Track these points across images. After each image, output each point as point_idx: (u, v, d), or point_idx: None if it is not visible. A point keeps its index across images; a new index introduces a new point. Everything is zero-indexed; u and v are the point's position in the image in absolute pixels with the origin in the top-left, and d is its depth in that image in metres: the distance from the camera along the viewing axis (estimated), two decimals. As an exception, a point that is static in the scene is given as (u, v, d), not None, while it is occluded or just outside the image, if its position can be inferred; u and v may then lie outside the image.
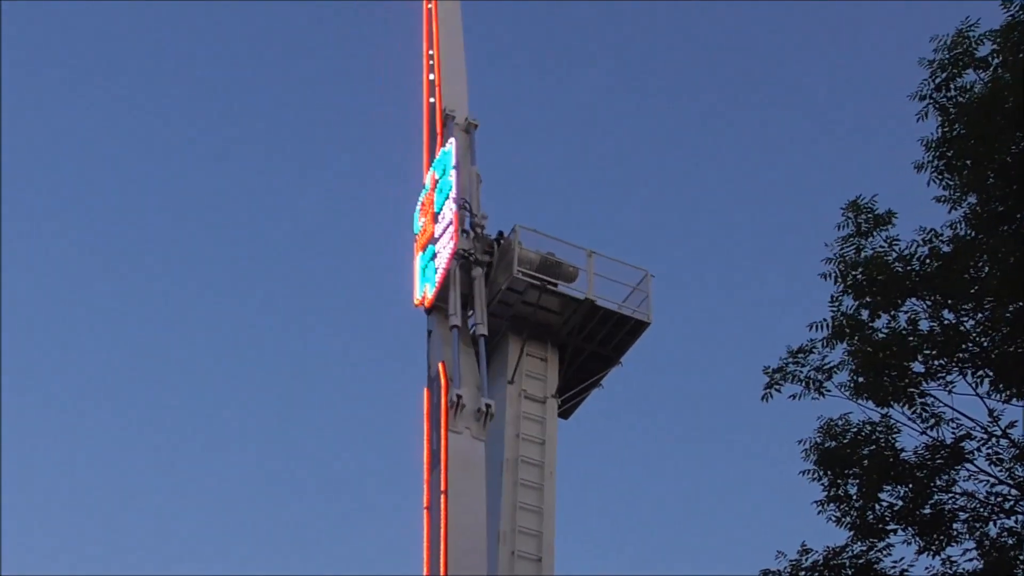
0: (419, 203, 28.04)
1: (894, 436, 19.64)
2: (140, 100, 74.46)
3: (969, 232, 19.15)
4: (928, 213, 20.01)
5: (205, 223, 74.43)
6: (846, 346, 19.89)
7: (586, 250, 26.25)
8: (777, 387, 20.24)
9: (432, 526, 22.87)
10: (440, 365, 24.42)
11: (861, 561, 19.56)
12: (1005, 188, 18.74)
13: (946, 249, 19.23)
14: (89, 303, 71.88)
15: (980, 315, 19.01)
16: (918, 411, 19.43)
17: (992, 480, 19.16)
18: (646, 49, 79.83)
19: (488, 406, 23.65)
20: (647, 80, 79.73)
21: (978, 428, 19.17)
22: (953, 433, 19.32)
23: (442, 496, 22.76)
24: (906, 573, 19.41)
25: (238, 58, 78.12)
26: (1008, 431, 19.03)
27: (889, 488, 19.51)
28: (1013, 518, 19.03)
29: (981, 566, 18.86)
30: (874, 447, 19.59)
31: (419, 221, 27.79)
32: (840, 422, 19.94)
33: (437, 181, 27.52)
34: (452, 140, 27.63)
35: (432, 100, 29.20)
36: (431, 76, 29.58)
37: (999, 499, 19.12)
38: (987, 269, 18.74)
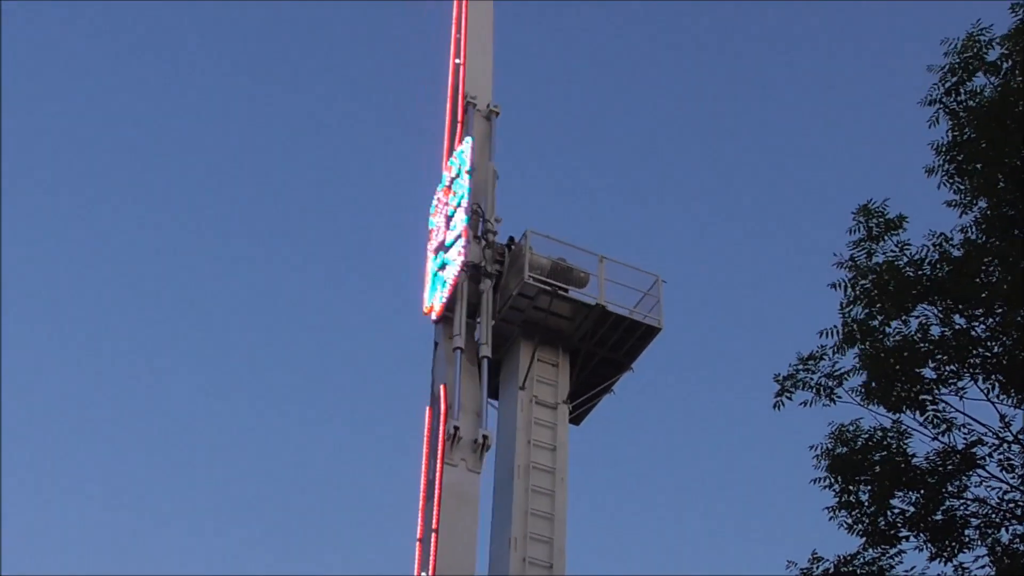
0: (435, 198, 28.02)
1: (905, 442, 19.52)
2: (143, 100, 74.32)
3: (980, 236, 19.08)
4: (939, 217, 19.98)
5: (207, 224, 74.51)
6: (857, 351, 19.82)
7: (597, 255, 26.26)
8: (788, 394, 20.18)
9: (423, 561, 22.98)
10: (442, 388, 24.46)
11: (873, 568, 19.46)
12: (1016, 192, 18.66)
13: (957, 254, 19.16)
14: (90, 304, 71.99)
15: (991, 320, 18.92)
16: (929, 417, 19.33)
17: (1004, 486, 19.04)
18: (657, 54, 79.80)
19: (485, 437, 23.77)
20: (658, 85, 79.71)
21: (990, 434, 19.06)
22: (964, 439, 19.21)
23: (433, 535, 22.87)
24: (918, 580, 19.32)
25: (246, 58, 78.08)
26: (1020, 436, 18.92)
27: (900, 494, 19.39)
28: (1025, 524, 18.94)
29: (993, 572, 18.77)
30: (885, 453, 19.48)
31: (433, 217, 27.80)
32: (851, 428, 19.87)
33: (453, 180, 27.51)
34: (468, 140, 27.63)
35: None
36: (457, 60, 29.60)
37: (1011, 505, 18.99)
38: (998, 274, 18.66)
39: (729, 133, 77.43)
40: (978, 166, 19.20)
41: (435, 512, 23.06)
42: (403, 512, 24.70)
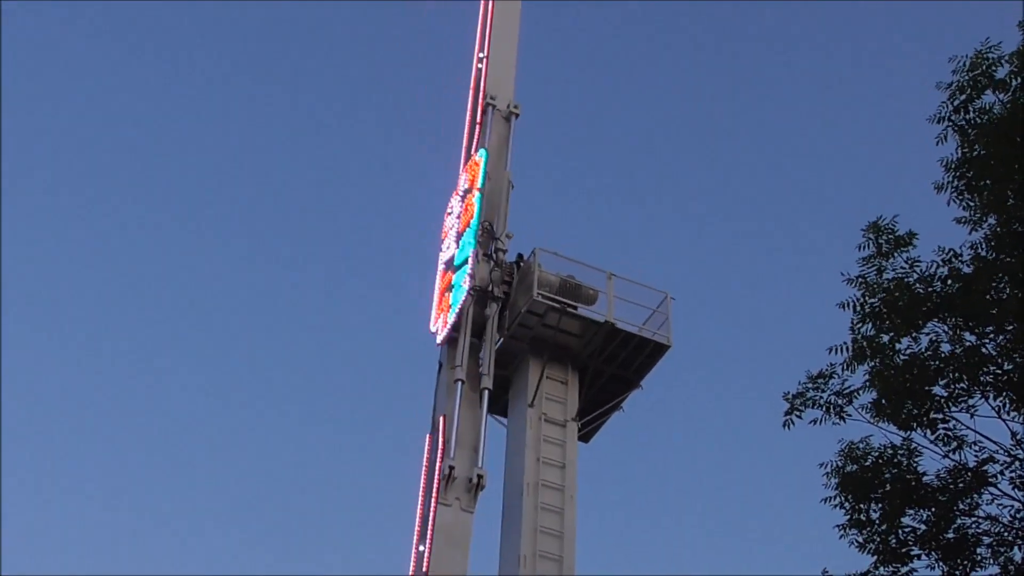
0: (450, 205, 27.95)
1: (916, 460, 19.49)
2: (143, 100, 74.70)
3: (990, 253, 19.05)
4: (948, 234, 19.94)
5: (209, 227, 74.58)
6: (867, 368, 19.78)
7: (606, 272, 26.19)
8: (798, 412, 20.13)
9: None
10: (441, 420, 24.43)
11: (884, 586, 19.40)
12: (1026, 209, 18.64)
13: (967, 270, 19.13)
14: (89, 304, 72.04)
15: (1002, 337, 18.87)
16: (940, 434, 19.28)
17: (1016, 504, 18.99)
18: (668, 72, 79.94)
19: (480, 476, 23.68)
20: (669, 104, 79.91)
21: (1001, 451, 19.03)
22: (976, 456, 19.18)
23: None
24: (930, 599, 19.26)
25: (247, 58, 78.30)
26: (1031, 454, 18.87)
27: (912, 512, 19.36)
28: (1037, 542, 18.86)
29: (1005, 591, 18.69)
30: (896, 471, 19.44)
31: (447, 220, 27.75)
32: (861, 446, 19.81)
33: (466, 192, 27.39)
34: (482, 154, 27.54)
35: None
36: (481, 53, 29.55)
37: (1023, 523, 18.93)
38: (1008, 291, 18.62)
39: (739, 151, 77.58)
40: (987, 183, 19.18)
41: (427, 552, 23.10)
42: (403, 512, 24.75)
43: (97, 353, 70.18)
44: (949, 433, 19.24)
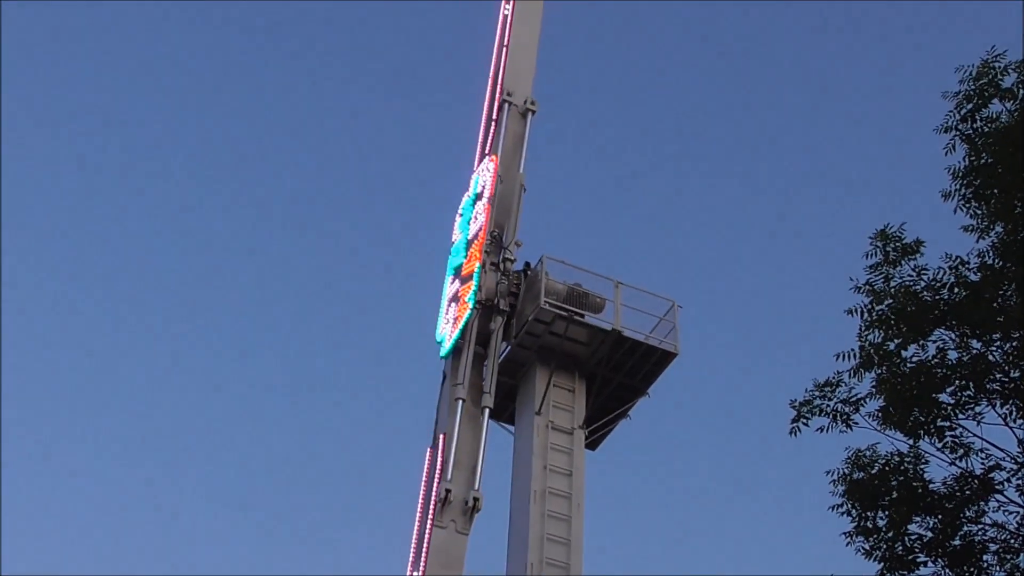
0: (460, 207, 27.97)
1: (923, 467, 19.51)
2: (147, 102, 74.76)
3: (997, 261, 19.09)
4: (956, 242, 19.99)
5: (213, 224, 74.62)
6: (874, 376, 19.82)
7: (613, 280, 26.29)
8: (805, 420, 20.16)
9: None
10: (441, 438, 24.44)
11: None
12: (1033, 217, 18.69)
13: (974, 278, 19.17)
14: (91, 306, 72.08)
15: (1008, 345, 18.91)
16: (947, 442, 19.30)
17: (1022, 511, 19.00)
18: (673, 81, 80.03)
19: (476, 499, 23.73)
20: (675, 111, 79.95)
21: (1008, 458, 19.03)
22: (982, 464, 19.21)
23: None
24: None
25: (247, 58, 78.30)
26: (1038, 461, 18.89)
27: (918, 520, 19.36)
28: (1044, 549, 18.87)
29: (1013, 598, 18.70)
30: (903, 478, 19.46)
31: (456, 230, 27.74)
32: (868, 453, 19.84)
33: (479, 195, 27.36)
34: (491, 160, 27.47)
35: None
36: (504, 44, 29.41)
37: (1030, 530, 18.96)
38: (1015, 299, 18.65)
39: (746, 158, 77.67)
40: (995, 191, 19.23)
41: (420, 573, 23.21)
42: (403, 512, 24.88)
43: (97, 354, 70.22)
44: (956, 440, 19.26)
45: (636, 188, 76.04)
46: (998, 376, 18.99)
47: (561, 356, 25.74)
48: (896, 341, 19.57)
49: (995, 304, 18.79)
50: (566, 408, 25.50)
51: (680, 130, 79.70)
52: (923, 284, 19.57)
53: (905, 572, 19.43)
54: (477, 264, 26.08)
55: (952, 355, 19.32)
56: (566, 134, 68.12)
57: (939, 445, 19.35)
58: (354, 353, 73.55)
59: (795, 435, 20.28)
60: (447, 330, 26.19)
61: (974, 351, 19.16)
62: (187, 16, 75.22)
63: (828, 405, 20.20)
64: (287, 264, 74.03)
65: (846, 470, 19.92)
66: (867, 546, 19.71)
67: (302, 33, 78.51)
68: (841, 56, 79.50)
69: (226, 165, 75.77)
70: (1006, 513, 19.07)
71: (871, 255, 20.14)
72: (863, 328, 19.83)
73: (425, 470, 24.59)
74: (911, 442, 19.56)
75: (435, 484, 23.89)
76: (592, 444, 26.11)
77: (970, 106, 19.60)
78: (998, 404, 19.03)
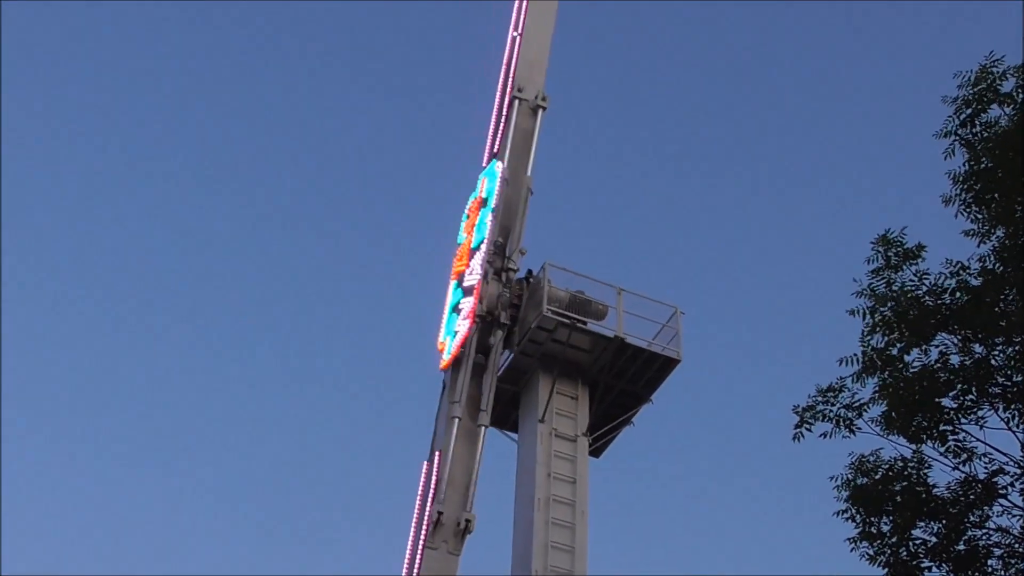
0: (467, 209, 27.83)
1: (926, 472, 19.51)
2: (147, 102, 74.79)
3: (998, 265, 19.09)
4: (957, 246, 20.00)
5: (215, 222, 74.64)
6: (877, 381, 19.82)
7: (616, 287, 26.28)
8: (808, 426, 20.17)
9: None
10: (437, 455, 24.45)
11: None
12: (1034, 221, 18.69)
13: (975, 283, 19.17)
14: (94, 307, 72.09)
15: (1011, 349, 18.90)
16: (950, 446, 19.30)
17: (1026, 515, 18.98)
18: (674, 86, 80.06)
19: (468, 521, 23.73)
20: (677, 117, 79.99)
21: (1011, 463, 19.02)
22: (986, 468, 19.18)
23: None
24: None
25: (247, 58, 78.37)
26: (1042, 465, 18.88)
27: (922, 525, 19.36)
28: (1049, 554, 18.85)
29: (1018, 603, 18.67)
30: (906, 483, 19.46)
31: (462, 232, 27.64)
32: (871, 458, 19.84)
33: (483, 202, 27.24)
34: (497, 164, 27.42)
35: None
36: (515, 32, 29.13)
37: (1034, 535, 18.94)
38: (1017, 303, 18.65)
39: (747, 164, 77.69)
40: (995, 195, 19.24)
41: None
42: (403, 512, 24.92)
43: (97, 354, 70.27)
44: (959, 445, 19.26)
45: (637, 193, 76.20)
46: (1000, 380, 19.00)
47: (564, 363, 25.74)
48: (899, 345, 19.57)
49: (997, 308, 18.79)
50: (569, 415, 25.49)
51: (680, 135, 79.83)
52: (925, 289, 19.58)
53: (909, 577, 19.45)
54: (477, 274, 26.00)
55: (954, 359, 19.33)
56: (566, 139, 68.16)
57: (942, 450, 19.35)
58: (355, 352, 73.69)
59: (798, 441, 20.33)
60: (448, 344, 26.15)
61: (976, 355, 19.16)
62: (187, 16, 75.35)
63: (831, 411, 20.22)
64: (287, 264, 74.13)
65: (850, 475, 19.92)
66: (871, 551, 19.71)
67: (302, 33, 78.61)
68: (843, 60, 79.62)
69: (226, 165, 75.87)
70: (1010, 517, 19.08)
71: (873, 260, 20.17)
72: (865, 332, 19.84)
73: (421, 484, 24.62)
74: (914, 447, 19.55)
75: (429, 503, 23.91)
76: (596, 451, 26.11)
77: (969, 111, 19.61)
78: (1001, 408, 19.03)
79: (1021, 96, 19.03)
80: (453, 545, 23.62)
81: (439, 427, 25.47)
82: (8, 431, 65.28)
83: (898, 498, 19.43)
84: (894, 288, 19.91)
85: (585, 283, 26.28)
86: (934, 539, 19.29)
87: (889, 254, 20.12)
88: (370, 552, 60.28)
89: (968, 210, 19.77)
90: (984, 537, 19.14)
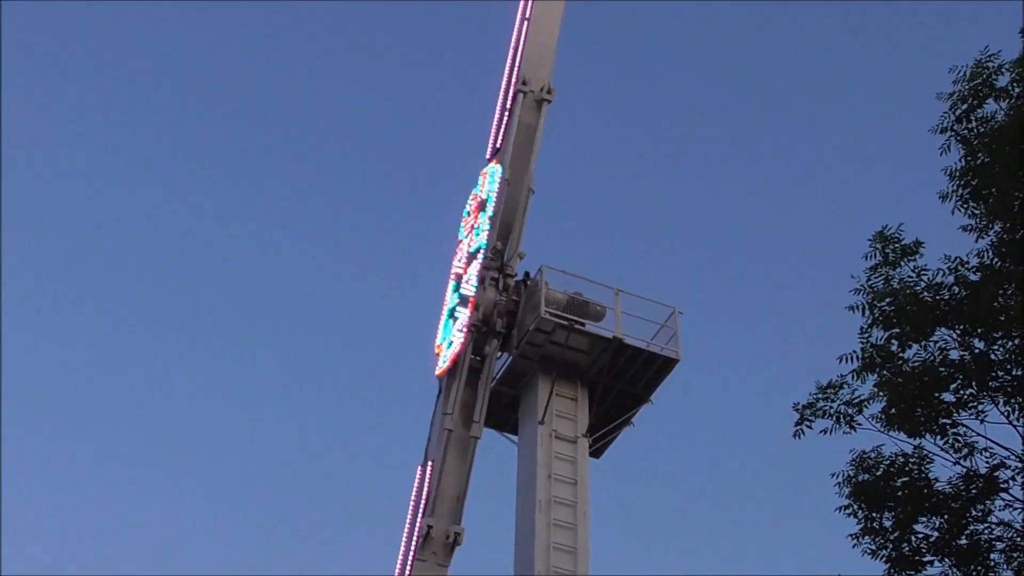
0: (468, 205, 27.78)
1: (927, 467, 19.53)
2: (147, 102, 74.78)
3: (995, 261, 19.14)
4: (954, 242, 20.06)
5: (216, 222, 74.61)
6: (876, 378, 19.86)
7: (613, 289, 26.34)
8: (808, 423, 20.20)
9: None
10: (428, 466, 24.45)
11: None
12: (1030, 216, 18.74)
13: (973, 278, 19.22)
14: (93, 308, 72.02)
15: (1010, 343, 18.95)
16: (951, 441, 19.34)
17: (1028, 509, 19.02)
18: (670, 86, 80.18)
19: (457, 534, 23.84)
20: (673, 117, 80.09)
21: (1012, 457, 19.05)
22: (987, 463, 19.22)
23: None
24: (945, 605, 19.27)
25: (246, 58, 78.35)
26: (1042, 459, 18.92)
27: (924, 519, 19.39)
28: (1051, 547, 18.89)
29: (1020, 596, 18.71)
30: (907, 479, 19.49)
31: (463, 230, 27.58)
32: (872, 454, 19.87)
33: (483, 204, 27.21)
34: (497, 168, 27.30)
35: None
36: (522, 20, 28.83)
37: (1036, 528, 18.98)
38: (1015, 297, 18.70)
39: (743, 163, 77.80)
40: (992, 190, 19.29)
41: None
42: (402, 512, 24.97)
43: (97, 354, 70.23)
44: (960, 439, 19.30)
45: (633, 193, 76.28)
46: (1000, 374, 19.04)
47: (563, 365, 25.77)
48: (898, 341, 19.61)
49: (996, 303, 18.83)
50: (569, 417, 25.53)
51: (677, 135, 79.96)
52: (923, 285, 19.63)
53: (912, 572, 19.46)
54: (474, 281, 25.95)
55: (954, 354, 19.37)
56: (563, 139, 68.26)
57: (943, 444, 19.39)
58: (355, 353, 73.68)
59: (799, 438, 20.36)
60: (444, 352, 26.12)
61: (976, 350, 19.21)
62: (187, 16, 75.41)
63: (831, 407, 20.24)
64: (287, 264, 74.14)
65: (851, 472, 19.95)
66: (873, 547, 19.73)
67: (302, 33, 78.69)
68: (840, 60, 79.80)
69: (226, 165, 75.93)
70: (1012, 511, 19.11)
71: (870, 257, 20.20)
72: (864, 328, 19.87)
73: (414, 487, 24.70)
74: (915, 442, 19.59)
75: (420, 513, 23.95)
76: (596, 452, 26.15)
77: (964, 107, 19.66)
78: (1001, 402, 19.07)
79: (1018, 90, 19.06)
80: (442, 557, 23.72)
81: (434, 430, 25.49)
82: (8, 431, 65.38)
83: (899, 493, 19.45)
84: (892, 283, 19.96)
85: (582, 284, 26.36)
86: (936, 534, 19.33)
87: (887, 251, 20.15)
88: (369, 552, 60.34)
89: (965, 206, 19.81)
90: (986, 531, 19.18)
